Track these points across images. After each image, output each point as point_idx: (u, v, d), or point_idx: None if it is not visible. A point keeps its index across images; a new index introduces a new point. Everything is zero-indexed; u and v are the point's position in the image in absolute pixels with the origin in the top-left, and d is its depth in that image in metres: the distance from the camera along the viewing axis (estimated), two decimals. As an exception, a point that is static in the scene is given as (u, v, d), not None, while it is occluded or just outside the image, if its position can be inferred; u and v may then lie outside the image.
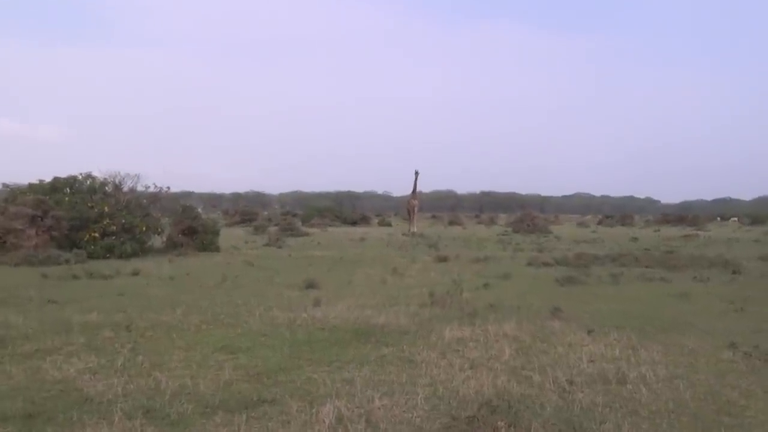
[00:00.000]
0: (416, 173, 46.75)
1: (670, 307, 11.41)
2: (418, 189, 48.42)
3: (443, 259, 21.03)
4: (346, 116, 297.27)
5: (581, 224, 72.60)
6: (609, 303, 11.85)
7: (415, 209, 47.90)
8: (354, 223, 63.49)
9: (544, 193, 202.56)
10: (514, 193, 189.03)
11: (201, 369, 6.68)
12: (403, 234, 41.59)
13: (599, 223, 78.25)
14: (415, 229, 45.04)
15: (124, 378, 6.28)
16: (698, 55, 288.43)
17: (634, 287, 14.49)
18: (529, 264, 19.99)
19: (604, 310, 10.89)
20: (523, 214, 51.91)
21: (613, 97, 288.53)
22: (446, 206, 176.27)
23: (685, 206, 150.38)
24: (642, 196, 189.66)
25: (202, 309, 10.55)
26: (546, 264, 19.74)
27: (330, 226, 56.15)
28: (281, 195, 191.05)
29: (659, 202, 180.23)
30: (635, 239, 36.55)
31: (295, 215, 72.72)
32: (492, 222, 74.31)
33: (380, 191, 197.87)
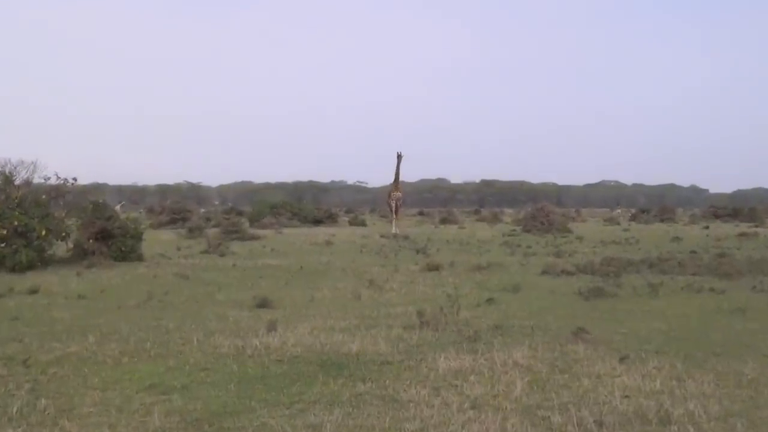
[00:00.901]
0: (399, 157, 46.94)
1: (724, 326, 11.59)
2: (401, 178, 48.53)
3: (434, 268, 21.12)
4: (307, 89, 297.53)
5: (609, 220, 73.39)
6: (647, 321, 12.00)
7: (398, 203, 48.08)
8: (318, 223, 63.31)
9: (561, 181, 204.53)
10: (523, 182, 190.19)
11: (122, 415, 6.61)
12: (382, 236, 41.63)
13: (632, 218, 79.25)
14: (398, 230, 45.13)
15: (22, 428, 6.19)
16: (756, 11, 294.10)
17: (677, 301, 14.68)
18: (545, 272, 20.17)
19: (640, 331, 11.02)
20: (536, 209, 52.22)
21: (646, 62, 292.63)
22: (437, 199, 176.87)
23: (740, 196, 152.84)
24: (685, 185, 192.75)
25: (122, 336, 10.45)
26: (566, 272, 19.93)
27: (286, 226, 55.91)
28: (222, 187, 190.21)
29: (707, 191, 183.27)
30: (678, 239, 37.06)
31: (240, 213, 72.26)
32: (496, 219, 74.71)
33: (351, 181, 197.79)
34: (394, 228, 45.87)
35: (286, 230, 50.24)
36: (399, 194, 48.18)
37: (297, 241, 36.99)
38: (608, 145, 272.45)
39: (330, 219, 66.30)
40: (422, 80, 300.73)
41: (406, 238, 39.13)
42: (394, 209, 48.09)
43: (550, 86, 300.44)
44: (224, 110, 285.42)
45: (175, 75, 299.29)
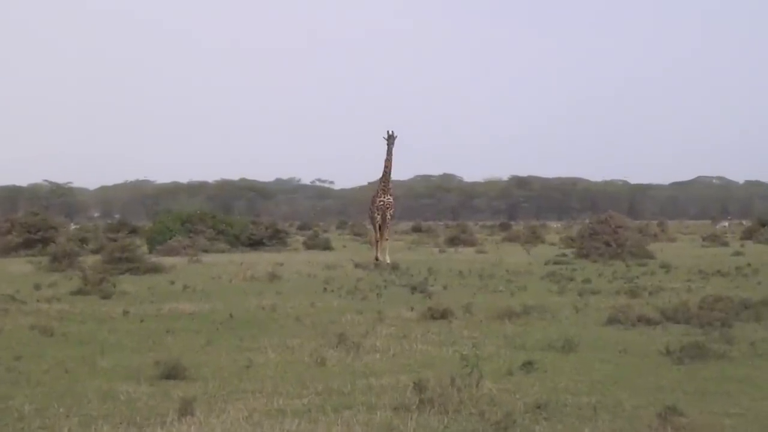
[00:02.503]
0: (390, 138, 45.54)
1: None
2: (393, 174, 47.44)
3: (441, 315, 21.06)
4: (235, 42, 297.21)
5: (711, 238, 73.58)
6: (772, 396, 12.04)
7: (388, 214, 46.67)
8: (256, 245, 63.15)
9: (636, 178, 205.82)
10: (577, 180, 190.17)
11: None
12: (358, 265, 41.48)
13: (747, 235, 79.34)
14: (386, 256, 44.49)
15: None
16: None
17: (819, 363, 14.73)
18: (612, 321, 20.19)
19: (762, 410, 11.06)
20: (597, 221, 52.21)
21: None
22: (443, 207, 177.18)
23: None
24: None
25: (-51, 427, 10.36)
26: (645, 320, 19.96)
27: (207, 250, 55.73)
28: (104, 190, 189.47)
29: None
30: (819, 267, 37.14)
31: (134, 231, 72.13)
32: (535, 237, 74.71)
33: (307, 180, 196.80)
34: (379, 252, 45.20)
35: (206, 257, 50.02)
36: (389, 199, 46.53)
37: (224, 273, 36.80)
38: (707, 125, 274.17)
39: (276, 239, 66.04)
40: (417, 32, 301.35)
41: (394, 268, 39.05)
42: (379, 223, 47.11)
43: (614, 41, 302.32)
44: (106, 77, 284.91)
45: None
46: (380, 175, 47.57)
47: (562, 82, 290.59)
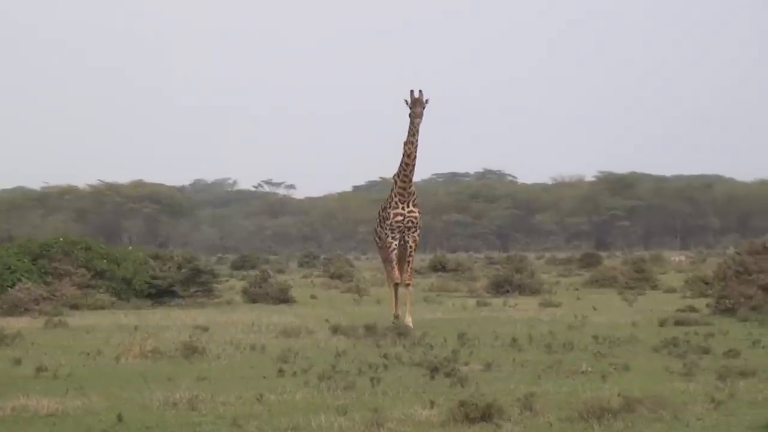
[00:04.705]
0: (415, 103, 44.08)
1: None
2: (416, 171, 45.13)
3: (481, 415, 20.94)
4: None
5: None
6: None
7: (410, 240, 44.75)
8: (161, 295, 63.16)
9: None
10: (713, 180, 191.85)
11: None
12: (337, 330, 41.13)
13: None
14: (408, 314, 43.89)
15: None
16: None
17: None
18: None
19: None
20: (749, 250, 52.06)
21: None
22: (483, 227, 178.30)
23: None
24: None
25: None
26: None
27: (77, 306, 55.97)
28: None
29: None
30: None
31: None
32: (642, 277, 75.28)
33: (249, 184, 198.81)
34: (397, 305, 45.29)
35: (75, 317, 50.55)
36: (412, 213, 45.16)
37: (107, 346, 36.82)
38: None
39: (195, 285, 66.11)
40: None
41: (401, 334, 38.65)
42: (394, 254, 45.55)
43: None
44: None
45: None
46: (396, 171, 45.36)
47: (689, 32, 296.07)
